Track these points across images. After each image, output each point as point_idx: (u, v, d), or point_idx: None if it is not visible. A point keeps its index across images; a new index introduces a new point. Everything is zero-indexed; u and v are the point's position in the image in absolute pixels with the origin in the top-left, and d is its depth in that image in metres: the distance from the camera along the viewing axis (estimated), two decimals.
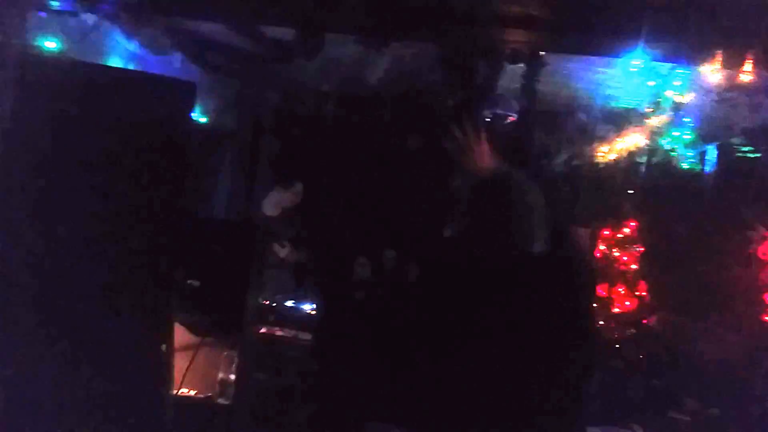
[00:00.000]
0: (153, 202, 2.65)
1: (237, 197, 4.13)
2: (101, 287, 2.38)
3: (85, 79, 2.54)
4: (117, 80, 2.67)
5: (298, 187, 3.55)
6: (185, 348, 2.93)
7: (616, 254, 3.94)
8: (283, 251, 3.46)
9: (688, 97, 3.28)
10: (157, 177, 2.66)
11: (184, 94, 2.59)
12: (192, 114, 2.71)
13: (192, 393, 3.04)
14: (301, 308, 3.47)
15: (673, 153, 3.82)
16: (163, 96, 2.57)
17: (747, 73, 2.39)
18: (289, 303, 3.48)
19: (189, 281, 2.87)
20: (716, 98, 3.05)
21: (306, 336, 3.37)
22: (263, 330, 3.41)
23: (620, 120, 3.63)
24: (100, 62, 3.20)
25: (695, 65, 2.62)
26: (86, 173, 2.49)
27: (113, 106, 2.54)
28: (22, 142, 2.37)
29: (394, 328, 3.09)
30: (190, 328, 2.95)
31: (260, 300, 3.35)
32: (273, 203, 3.52)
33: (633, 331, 3.74)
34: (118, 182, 2.54)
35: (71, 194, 2.41)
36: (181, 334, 2.82)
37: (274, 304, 3.44)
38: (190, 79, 2.69)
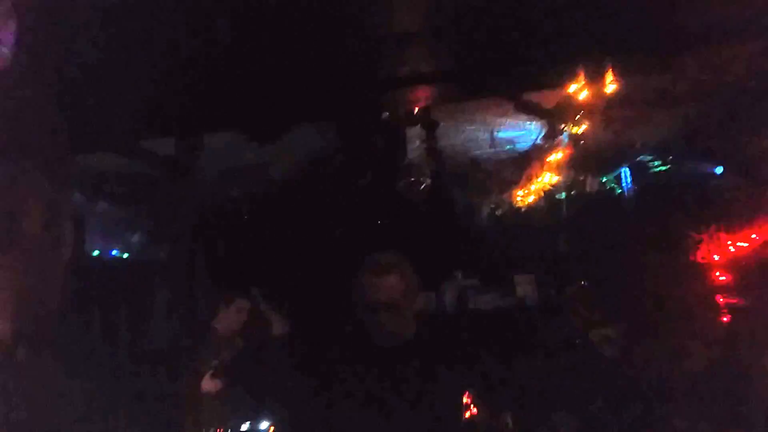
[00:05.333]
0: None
1: (169, 325, 3.91)
2: None
3: None
4: None
5: (243, 303, 2.83)
6: None
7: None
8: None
9: (581, 127, 3.39)
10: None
11: None
12: None
13: None
14: None
15: (587, 181, 3.90)
16: None
17: (612, 83, 2.42)
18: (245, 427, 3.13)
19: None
20: (603, 119, 3.13)
21: None
22: None
23: (525, 159, 3.71)
24: None
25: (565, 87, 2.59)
26: None
27: None
28: None
29: None
30: None
31: None
32: (223, 323, 2.79)
33: None
34: None
35: None
36: None
37: None
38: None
